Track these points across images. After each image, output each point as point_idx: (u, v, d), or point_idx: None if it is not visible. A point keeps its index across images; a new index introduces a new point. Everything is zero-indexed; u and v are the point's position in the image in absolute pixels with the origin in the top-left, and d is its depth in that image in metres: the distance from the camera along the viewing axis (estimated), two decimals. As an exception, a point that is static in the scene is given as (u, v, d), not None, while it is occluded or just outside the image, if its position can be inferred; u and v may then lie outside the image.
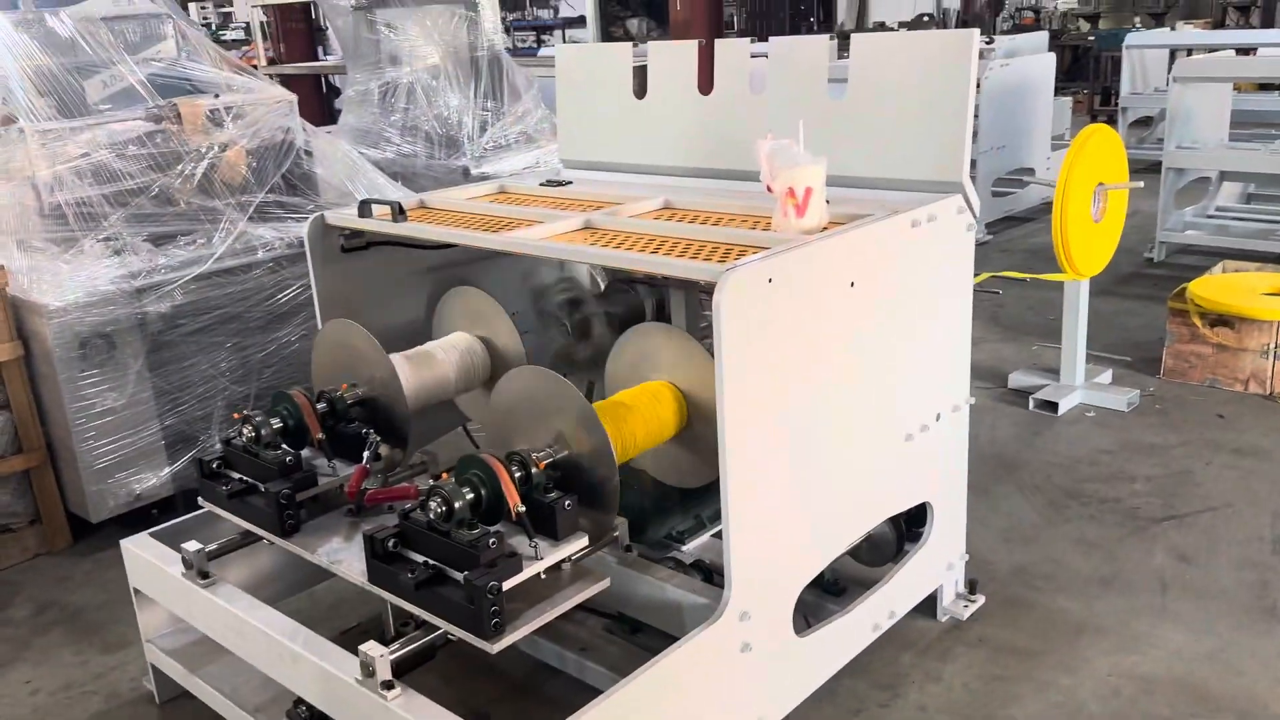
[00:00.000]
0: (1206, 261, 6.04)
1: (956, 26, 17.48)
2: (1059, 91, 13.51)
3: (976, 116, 7.45)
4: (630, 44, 3.19)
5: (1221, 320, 4.30)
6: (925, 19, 17.38)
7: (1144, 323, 5.23)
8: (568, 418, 2.19)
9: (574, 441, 2.18)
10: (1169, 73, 6.32)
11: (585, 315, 3.05)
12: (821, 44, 2.75)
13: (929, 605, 2.86)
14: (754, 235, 2.35)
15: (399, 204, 2.66)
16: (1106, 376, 4.49)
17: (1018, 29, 16.12)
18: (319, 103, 8.72)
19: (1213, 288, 4.38)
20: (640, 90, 3.09)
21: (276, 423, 2.48)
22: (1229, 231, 6.36)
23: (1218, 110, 6.89)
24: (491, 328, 2.84)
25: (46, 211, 3.55)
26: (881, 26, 17.22)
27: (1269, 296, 4.25)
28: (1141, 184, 4.07)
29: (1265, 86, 9.53)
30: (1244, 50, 8.58)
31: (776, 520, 2.23)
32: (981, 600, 2.92)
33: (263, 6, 9.68)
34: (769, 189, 2.35)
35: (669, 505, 2.80)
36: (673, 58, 3.01)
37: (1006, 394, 4.49)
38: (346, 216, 2.74)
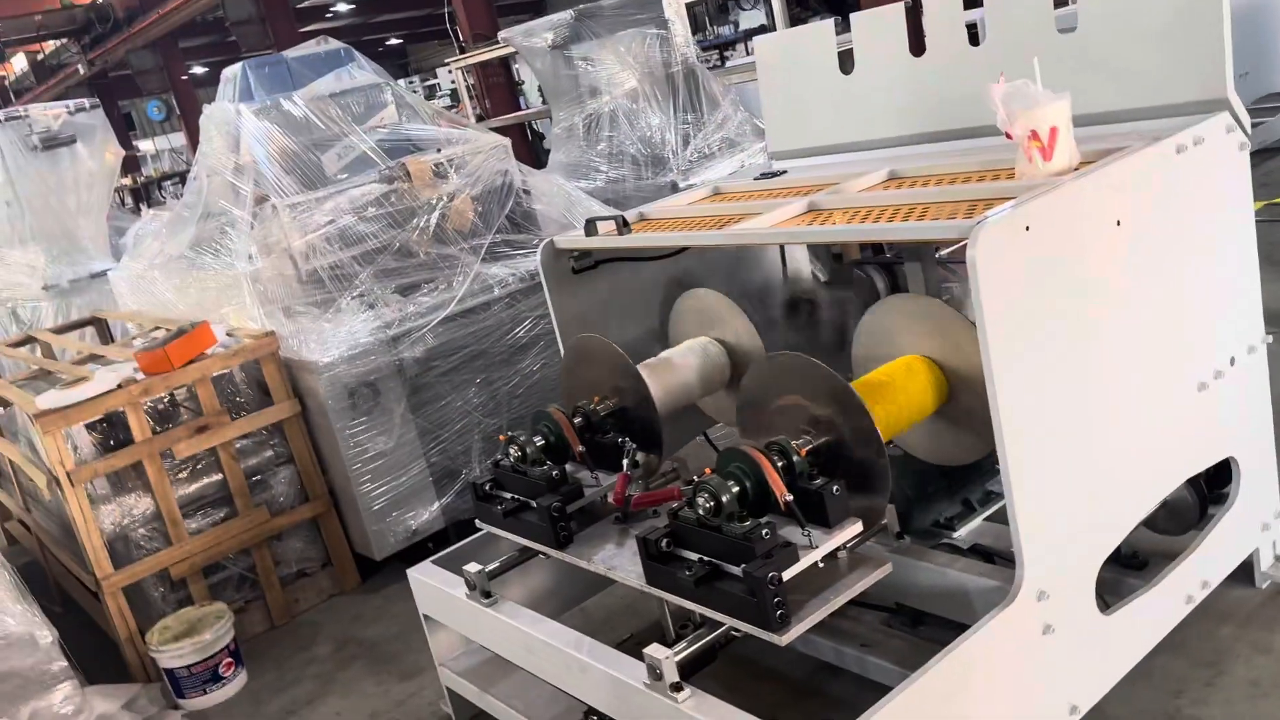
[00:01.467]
0: None
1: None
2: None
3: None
4: (830, 20, 3.09)
5: None
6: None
7: None
8: (824, 400, 2.11)
9: (834, 424, 2.10)
10: None
11: (816, 306, 2.97)
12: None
13: (1245, 572, 2.57)
14: (998, 186, 2.20)
15: (622, 217, 2.69)
16: None
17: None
18: (526, 149, 9.09)
19: None
20: (847, 65, 3.00)
21: (540, 440, 2.55)
22: None
23: None
24: (727, 328, 2.81)
25: (304, 278, 3.85)
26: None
27: None
28: None
29: None
30: None
31: (1063, 489, 2.06)
32: (1311, 561, 2.59)
33: (463, 69, 10.21)
34: (1008, 136, 2.20)
35: (933, 492, 2.66)
36: (879, 25, 2.89)
37: (1297, 336, 4.02)
38: (575, 238, 2.79)
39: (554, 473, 2.44)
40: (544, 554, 2.47)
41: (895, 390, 2.24)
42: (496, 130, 8.27)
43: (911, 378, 2.28)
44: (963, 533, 2.60)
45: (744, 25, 24.44)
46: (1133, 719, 2.25)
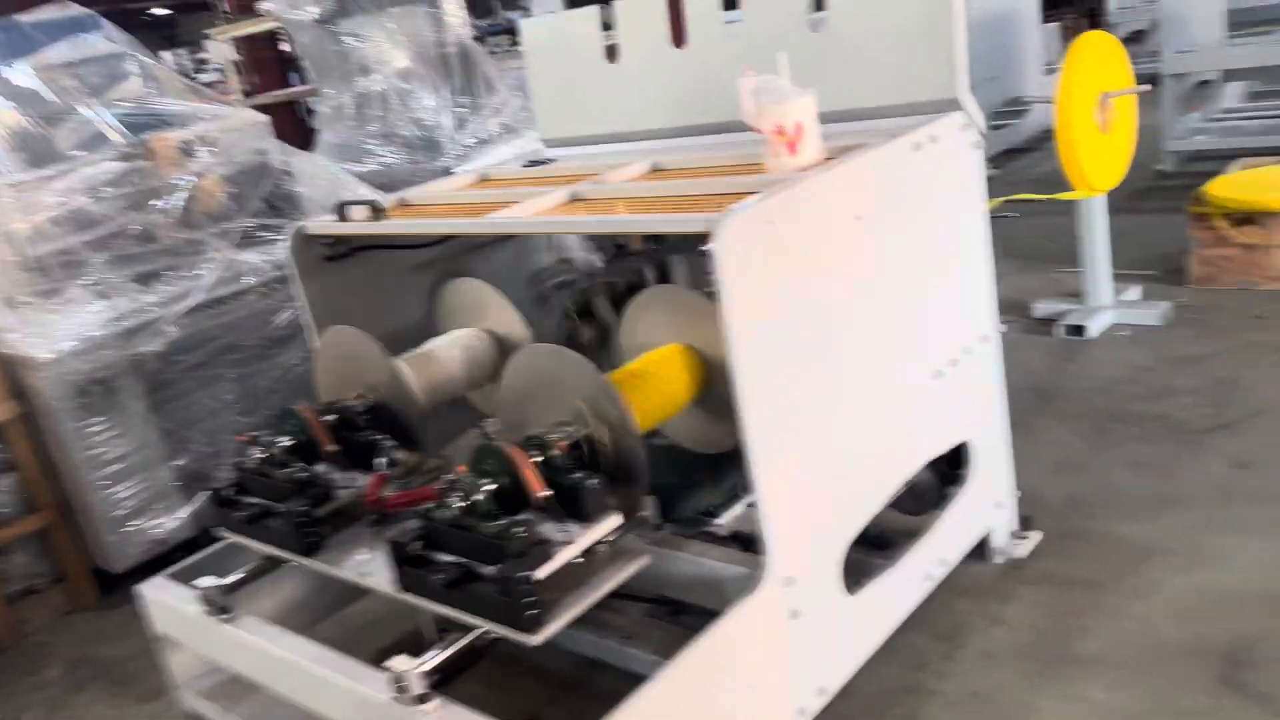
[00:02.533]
0: (1219, 166, 5.85)
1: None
2: (1046, 19, 13.30)
3: (964, 51, 7.30)
4: (595, 7, 3.06)
5: (1247, 219, 4.13)
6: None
7: (1165, 235, 5.05)
8: (582, 393, 2.08)
9: (593, 417, 2.07)
10: (1156, -22, 6.14)
11: (587, 294, 2.93)
12: None
13: (984, 549, 2.73)
14: (748, 181, 2.23)
15: (376, 202, 2.55)
16: (1135, 292, 4.34)
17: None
18: (297, 128, 8.64)
19: (1234, 187, 4.22)
20: (612, 54, 2.97)
21: (286, 440, 2.38)
22: (1240, 132, 6.18)
23: (1210, 11, 6.69)
24: (494, 317, 2.73)
25: (30, 265, 3.47)
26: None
27: (1292, 188, 4.09)
28: (1149, 87, 3.91)
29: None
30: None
31: (808, 477, 2.10)
32: (1038, 536, 2.78)
33: (232, 42, 9.60)
34: (756, 130, 2.23)
35: (696, 480, 2.69)
36: (639, 14, 2.88)
37: (1032, 324, 4.35)
38: (325, 223, 2.63)
39: (301, 474, 2.29)
40: (292, 562, 2.31)
41: (654, 380, 2.24)
42: (264, 108, 7.79)
43: (670, 367, 2.28)
44: (727, 518, 2.64)
45: (536, 13, 24.25)
46: (878, 696, 2.34)
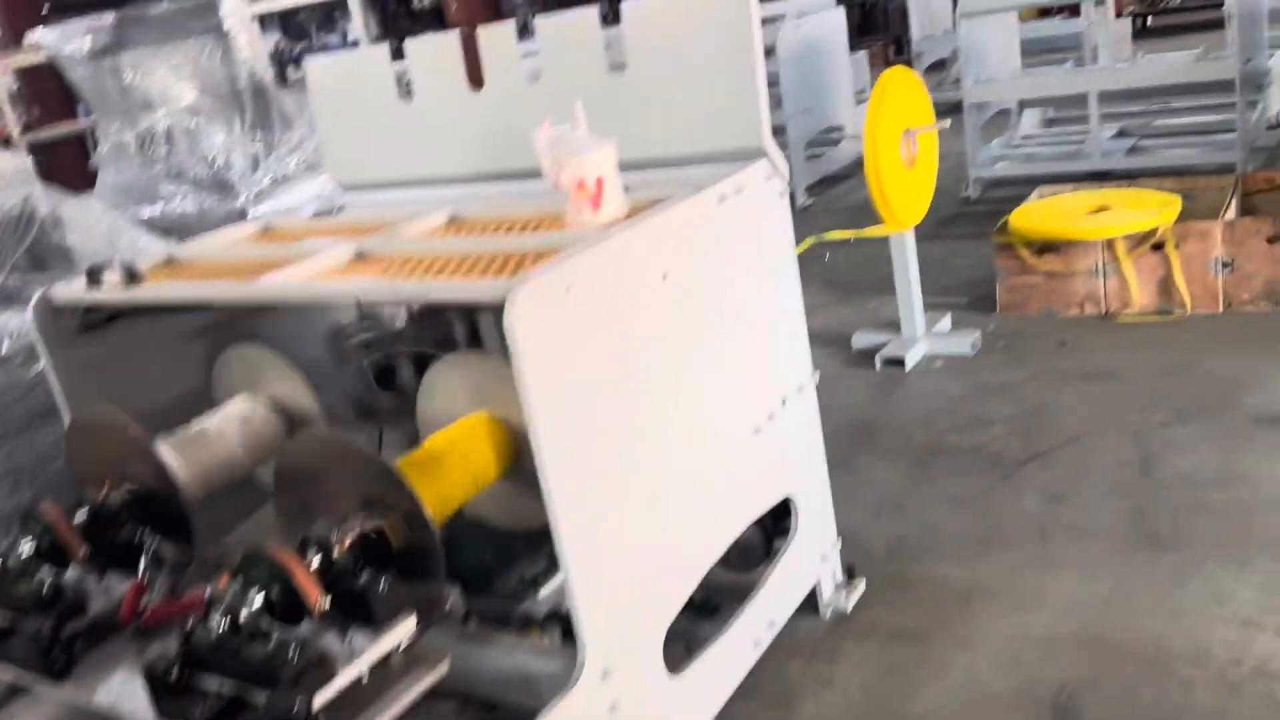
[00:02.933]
0: (1022, 191, 6.09)
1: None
2: (854, 47, 13.77)
3: (776, 84, 7.43)
4: (388, 44, 2.86)
5: (1047, 247, 4.28)
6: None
7: (973, 261, 5.21)
8: (367, 482, 1.87)
9: (381, 508, 1.86)
10: (954, 12, 6.37)
11: (390, 355, 2.70)
12: (590, 17, 2.50)
13: (811, 602, 2.65)
14: (550, 238, 2.08)
15: (130, 266, 2.26)
16: (946, 322, 4.43)
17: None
18: (84, 167, 7.97)
19: (1033, 216, 4.36)
20: (407, 94, 2.78)
21: (28, 545, 2.06)
22: (1037, 158, 6.48)
23: (1006, 41, 7.03)
24: (279, 386, 2.48)
25: None
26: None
27: (1090, 216, 4.25)
28: (948, 123, 3.99)
29: (1044, 12, 9.91)
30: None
31: (625, 555, 1.96)
32: (862, 585, 2.73)
33: (12, 72, 8.80)
34: (556, 185, 2.09)
35: (515, 549, 2.50)
36: (434, 53, 2.70)
37: (852, 357, 4.37)
38: (73, 291, 2.32)
39: (44, 587, 1.98)
40: (37, 689, 2.00)
41: (455, 458, 2.05)
42: (50, 145, 7.16)
43: (473, 442, 2.10)
44: (548, 590, 2.47)
45: (353, 35, 23.61)
46: (709, 777, 2.21)
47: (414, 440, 2.60)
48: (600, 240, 1.92)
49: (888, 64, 13.12)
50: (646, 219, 2.02)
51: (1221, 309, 4.04)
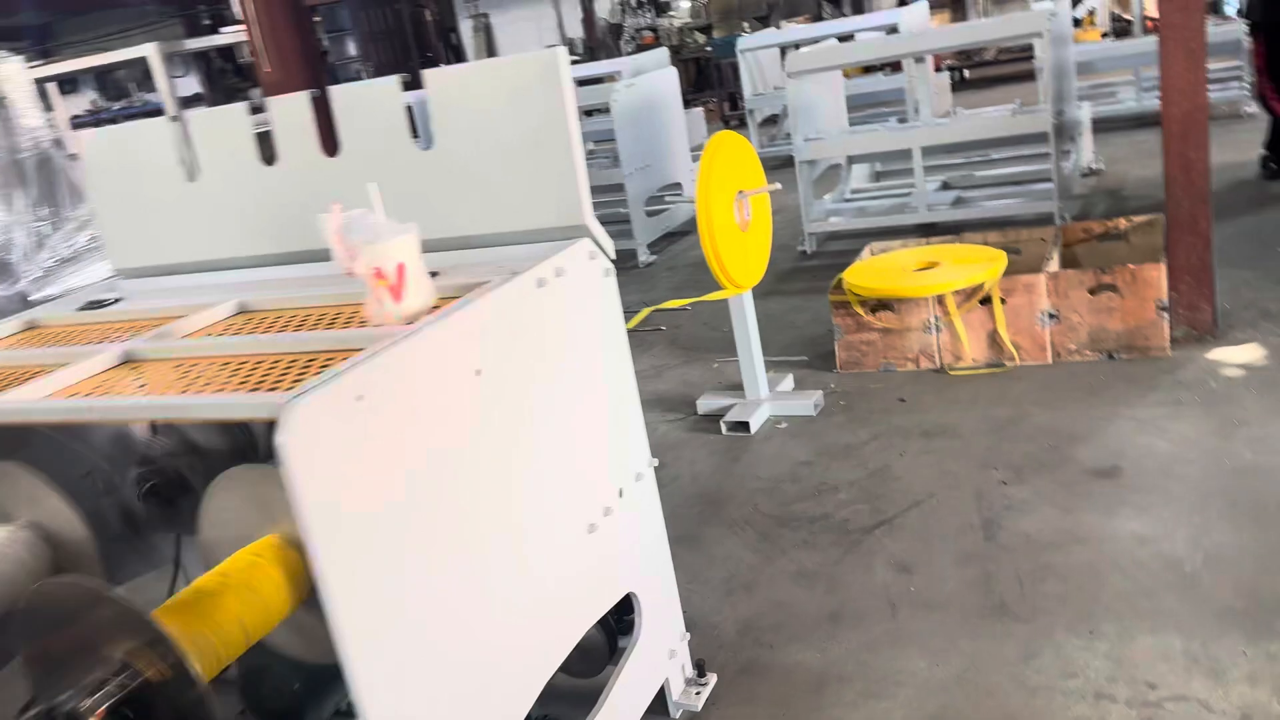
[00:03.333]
0: (856, 245, 6.20)
1: (584, 54, 17.84)
2: (691, 104, 14.03)
3: (612, 139, 7.40)
4: (167, 116, 2.59)
5: (882, 304, 4.29)
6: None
7: (813, 317, 5.23)
8: (124, 634, 1.59)
9: (143, 663, 1.58)
10: (784, 69, 6.48)
11: (171, 470, 2.40)
12: (392, 86, 2.31)
13: (660, 702, 2.48)
14: (345, 336, 1.86)
15: None
16: (789, 382, 4.38)
17: (640, 49, 16.65)
18: None
19: (866, 274, 4.38)
20: (192, 170, 2.51)
21: None
22: (868, 211, 6.61)
23: (834, 98, 7.21)
24: (41, 511, 2.15)
25: None
26: (513, 63, 17.23)
27: (920, 272, 4.29)
28: (779, 185, 3.97)
29: (869, 69, 10.26)
30: (844, 38, 9.15)
31: (439, 686, 1.73)
32: (713, 680, 2.57)
33: None
34: (350, 274, 1.87)
35: (327, 677, 2.23)
36: (221, 126, 2.45)
37: (699, 421, 4.27)
38: None
39: None
40: None
41: (234, 594, 1.78)
42: None
43: (258, 571, 1.83)
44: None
45: (183, 92, 22.61)
46: None
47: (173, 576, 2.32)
48: (401, 338, 1.71)
49: (724, 120, 13.38)
50: (456, 310, 1.83)
51: (1051, 359, 4.12)
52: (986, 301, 4.13)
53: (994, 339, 4.17)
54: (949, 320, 4.19)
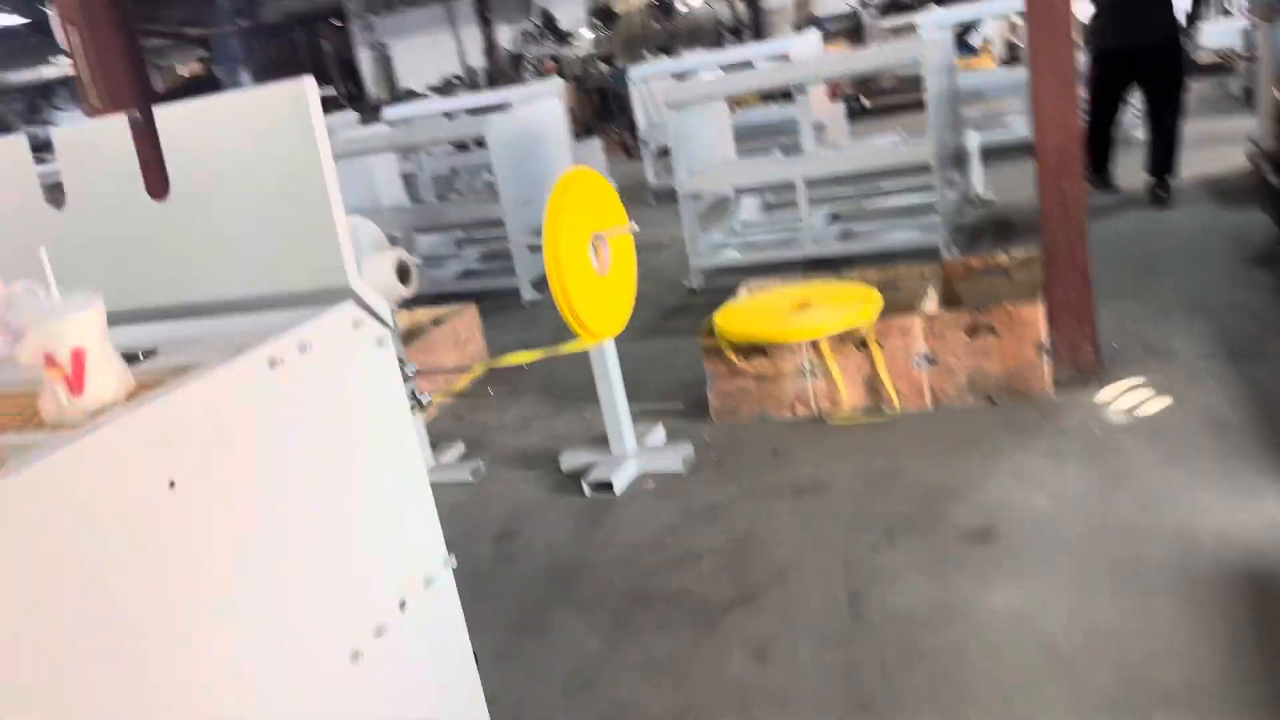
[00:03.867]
0: (745, 279, 5.96)
1: (485, 83, 17.53)
2: (590, 134, 13.81)
3: (490, 171, 7.07)
4: None
5: (756, 348, 4.02)
6: (454, 80, 17.26)
7: (692, 358, 4.91)
8: None
9: None
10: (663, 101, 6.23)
11: None
12: (119, 126, 1.94)
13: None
14: (14, 440, 1.49)
15: None
16: (659, 434, 4.07)
17: (542, 78, 16.40)
18: None
19: (738, 317, 4.10)
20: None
21: None
22: (757, 245, 6.38)
23: (720, 129, 6.98)
24: None
25: None
26: (411, 94, 16.86)
27: (793, 314, 4.03)
28: (636, 227, 3.67)
29: (768, 98, 10.12)
30: (739, 67, 8.97)
31: None
32: (534, 808, 2.23)
33: None
34: (15, 359, 1.50)
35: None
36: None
37: (561, 480, 3.93)
38: None
39: None
40: None
41: None
42: None
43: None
44: None
45: (63, 121, 21.74)
46: None
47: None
48: (62, 445, 1.35)
49: (626, 151, 13.14)
50: (147, 405, 1.47)
51: (930, 405, 3.89)
52: (863, 345, 3.88)
53: (870, 384, 3.92)
54: (824, 365, 3.94)
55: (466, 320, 5.38)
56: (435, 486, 4.13)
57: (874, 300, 3.92)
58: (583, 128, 15.47)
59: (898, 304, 4.16)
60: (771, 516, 3.35)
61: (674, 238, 6.70)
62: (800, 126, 6.43)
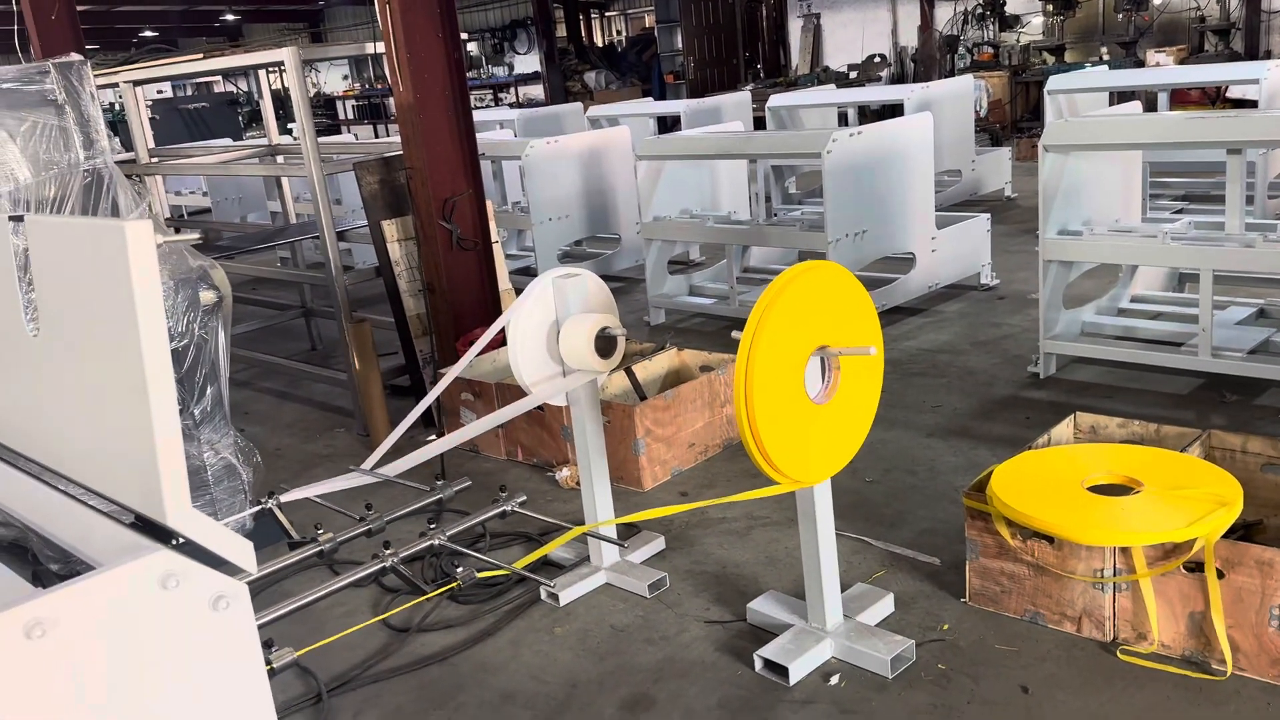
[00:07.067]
0: (1112, 374, 4.70)
1: (912, 66, 16.25)
2: (1021, 133, 12.26)
3: (821, 194, 6.18)
4: None
5: (1038, 531, 2.92)
6: (876, 59, 16.18)
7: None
8: None
9: None
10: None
11: None
12: (3, 226, 1.49)
13: None
14: None
15: None
16: (883, 606, 3.11)
17: (976, 66, 14.83)
18: None
19: (1021, 483, 2.99)
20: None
21: None
22: (1134, 337, 4.95)
23: (1125, 175, 5.50)
24: None
25: None
26: (826, 72, 16.05)
27: (1098, 494, 2.87)
28: (874, 350, 2.73)
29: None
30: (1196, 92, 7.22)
31: None
32: None
33: None
34: None
35: None
36: None
37: (743, 632, 3.13)
38: None
39: None
40: None
41: None
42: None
43: None
44: None
45: (518, 69, 23.50)
46: None
47: None
48: None
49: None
50: None
51: (1290, 679, 2.59)
52: (1196, 568, 2.66)
53: (1197, 624, 2.69)
54: (1133, 579, 2.76)
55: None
56: (605, 589, 3.43)
57: (1231, 501, 2.66)
58: (1010, 127, 13.78)
59: (1267, 512, 2.83)
60: (971, 805, 2.35)
61: (1024, 306, 5.44)
62: (1234, 189, 4.86)
